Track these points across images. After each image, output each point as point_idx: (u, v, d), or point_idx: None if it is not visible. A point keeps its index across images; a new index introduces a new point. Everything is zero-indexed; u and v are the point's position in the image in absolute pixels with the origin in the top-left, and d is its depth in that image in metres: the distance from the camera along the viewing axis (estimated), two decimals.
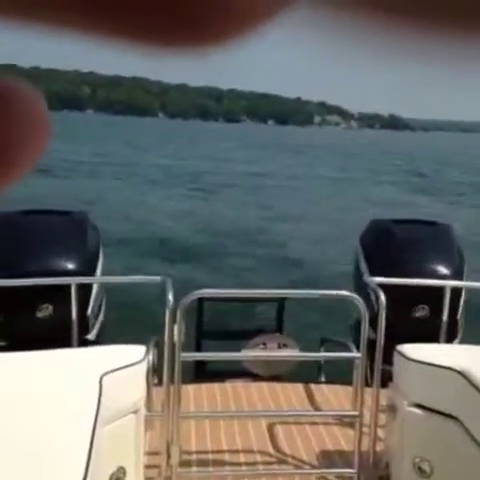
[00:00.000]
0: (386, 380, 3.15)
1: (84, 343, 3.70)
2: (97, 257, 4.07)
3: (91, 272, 3.93)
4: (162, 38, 0.16)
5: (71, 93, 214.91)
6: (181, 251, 12.57)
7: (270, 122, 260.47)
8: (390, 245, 4.37)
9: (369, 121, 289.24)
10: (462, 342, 4.04)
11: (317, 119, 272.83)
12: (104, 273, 4.15)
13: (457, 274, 4.16)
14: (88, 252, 4.00)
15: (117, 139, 57.18)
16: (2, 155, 0.18)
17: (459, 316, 4.17)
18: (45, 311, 3.77)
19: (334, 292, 3.75)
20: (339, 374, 4.20)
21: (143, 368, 2.87)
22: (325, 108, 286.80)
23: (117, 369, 2.68)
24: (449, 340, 3.90)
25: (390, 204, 20.14)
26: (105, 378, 2.56)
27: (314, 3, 0.16)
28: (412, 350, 3.03)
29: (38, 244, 3.92)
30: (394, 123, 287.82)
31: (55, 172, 25.42)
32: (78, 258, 3.88)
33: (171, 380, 3.05)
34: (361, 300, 3.15)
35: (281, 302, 4.47)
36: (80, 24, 0.16)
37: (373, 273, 4.03)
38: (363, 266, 4.36)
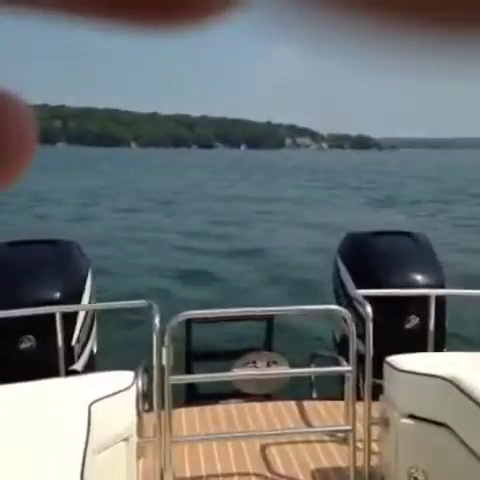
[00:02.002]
0: (378, 392, 3.15)
1: (71, 374, 3.63)
2: (83, 286, 4.02)
3: (76, 301, 3.89)
4: (154, 17, 0.16)
5: (42, 127, 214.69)
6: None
7: (243, 147, 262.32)
8: (371, 257, 4.39)
9: (339, 142, 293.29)
10: (450, 350, 4.06)
11: (288, 142, 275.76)
12: (97, 301, 4.12)
13: (440, 282, 4.20)
14: (73, 281, 3.95)
15: (90, 170, 57.12)
16: None
17: (446, 324, 4.20)
18: (28, 342, 3.71)
19: (322, 307, 3.75)
20: (331, 389, 4.18)
21: (132, 394, 2.82)
22: (295, 131, 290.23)
23: (106, 396, 2.63)
24: (438, 349, 3.91)
25: (357, 216, 21.04)
26: (94, 406, 2.51)
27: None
28: (401, 361, 3.03)
29: (20, 275, 3.87)
30: (363, 143, 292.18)
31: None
32: (61, 287, 3.83)
33: (162, 405, 3.01)
34: (349, 314, 3.16)
35: (269, 319, 4.46)
36: (74, 6, 0.16)
37: (356, 286, 4.04)
38: (346, 279, 4.37)
